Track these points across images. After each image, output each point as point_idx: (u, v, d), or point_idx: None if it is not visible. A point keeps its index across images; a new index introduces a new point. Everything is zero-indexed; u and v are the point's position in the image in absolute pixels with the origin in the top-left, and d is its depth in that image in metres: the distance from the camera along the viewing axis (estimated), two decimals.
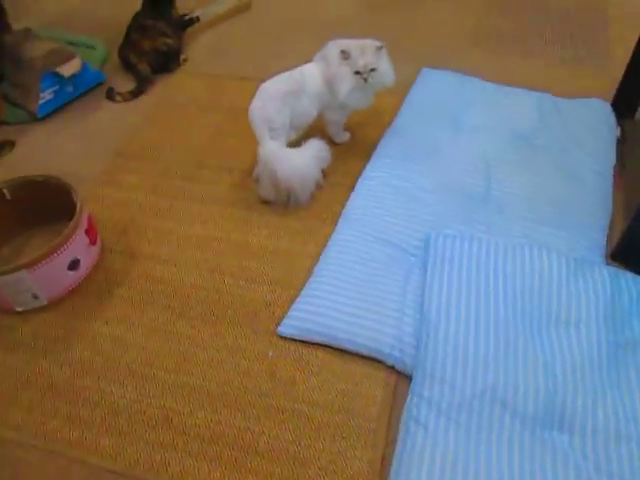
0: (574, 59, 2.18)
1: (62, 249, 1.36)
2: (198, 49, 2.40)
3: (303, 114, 1.64)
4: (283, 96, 1.57)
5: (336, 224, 1.57)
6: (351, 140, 1.86)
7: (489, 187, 1.62)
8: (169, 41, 2.24)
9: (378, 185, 1.63)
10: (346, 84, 1.58)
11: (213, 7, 2.57)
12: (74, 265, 1.42)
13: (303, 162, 1.57)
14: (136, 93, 2.13)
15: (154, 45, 2.19)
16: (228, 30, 2.51)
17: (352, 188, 1.68)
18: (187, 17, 2.45)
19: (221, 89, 2.16)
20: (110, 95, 2.13)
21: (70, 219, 1.41)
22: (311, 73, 1.63)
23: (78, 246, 1.42)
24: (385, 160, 1.72)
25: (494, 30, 2.36)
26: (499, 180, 1.64)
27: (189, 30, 2.44)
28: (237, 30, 2.50)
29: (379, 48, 1.56)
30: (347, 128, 1.85)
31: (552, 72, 2.12)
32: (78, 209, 1.42)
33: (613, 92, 1.91)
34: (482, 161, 1.69)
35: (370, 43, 1.56)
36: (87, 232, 1.45)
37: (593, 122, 1.83)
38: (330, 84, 1.61)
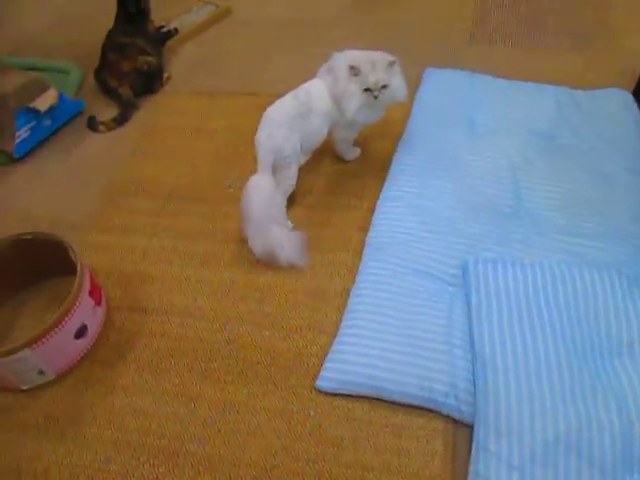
0: (581, 48, 2.07)
1: (67, 318, 1.22)
2: (181, 64, 2.23)
3: (314, 136, 1.51)
4: (291, 121, 1.43)
5: (360, 254, 1.45)
6: (362, 155, 1.73)
7: (519, 198, 1.51)
8: (150, 59, 2.07)
9: (400, 207, 1.51)
10: (355, 102, 1.44)
11: (191, 16, 2.40)
12: (81, 332, 1.28)
13: (269, 209, 1.42)
14: (120, 121, 1.97)
15: (134, 65, 2.02)
16: (210, 40, 2.34)
17: (371, 210, 1.56)
18: (165, 30, 2.28)
19: (212, 108, 2.00)
20: (92, 125, 1.96)
21: (64, 275, 1.27)
22: (318, 91, 1.49)
23: (83, 311, 1.27)
24: (403, 177, 1.59)
25: (493, 23, 2.23)
26: (528, 189, 1.53)
27: (168, 44, 2.27)
28: (220, 39, 2.33)
29: (391, 63, 1.42)
30: (356, 142, 1.71)
31: (560, 64, 2.00)
32: (79, 270, 1.27)
33: (627, 80, 1.81)
34: (507, 169, 1.58)
35: (381, 57, 1.43)
36: (91, 293, 1.31)
37: (616, 114, 1.72)
38: (338, 101, 1.47)
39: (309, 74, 1.55)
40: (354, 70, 1.42)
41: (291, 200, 1.57)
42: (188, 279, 1.48)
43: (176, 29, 2.30)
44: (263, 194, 1.41)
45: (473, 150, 1.64)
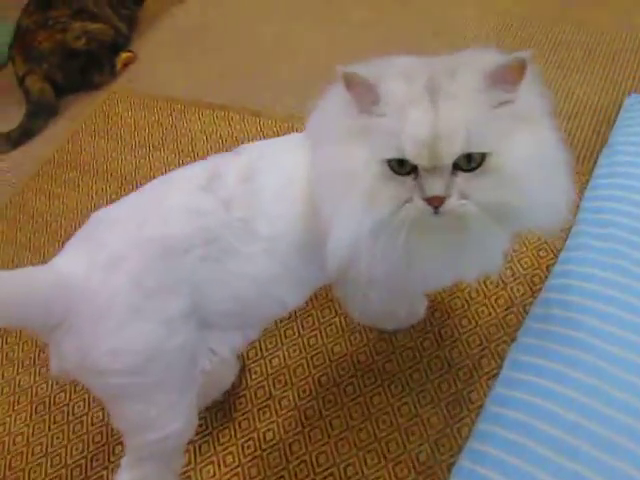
0: None
1: None
2: (164, 34, 1.29)
3: (250, 302, 0.50)
4: (157, 261, 0.45)
5: None
6: (430, 314, 0.69)
7: None
8: (94, 28, 1.16)
9: None
10: (350, 207, 0.41)
11: None
12: None
13: None
14: (16, 139, 1.10)
15: (61, 39, 1.13)
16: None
17: None
18: None
19: (195, 134, 1.05)
20: None
21: None
22: (281, 174, 0.48)
23: None
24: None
25: None
26: None
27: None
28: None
29: (518, 66, 0.38)
30: None
31: None
32: None
33: None
34: None
35: (474, 59, 0.40)
36: None
37: None
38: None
39: None
40: (361, 89, 0.40)
41: None
42: None
43: None
44: None
45: None
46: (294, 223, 0.47)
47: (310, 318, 0.72)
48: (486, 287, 0.70)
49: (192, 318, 0.47)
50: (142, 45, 1.26)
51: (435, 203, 0.38)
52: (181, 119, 1.06)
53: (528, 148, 0.39)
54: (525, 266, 0.71)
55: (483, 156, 0.38)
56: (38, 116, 1.12)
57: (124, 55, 1.20)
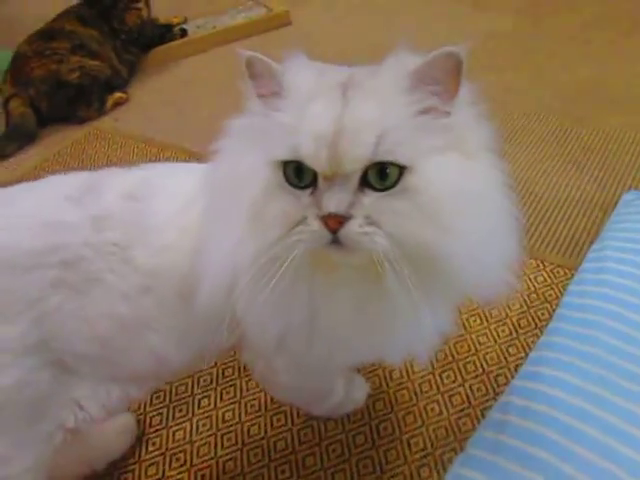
0: None
1: None
2: (166, 85, 1.28)
3: (112, 356, 0.41)
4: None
5: None
6: (375, 399, 0.58)
7: None
8: (91, 65, 1.15)
9: None
10: (229, 229, 0.33)
11: (226, 18, 1.46)
12: None
13: None
14: None
15: (56, 69, 1.12)
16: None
17: None
18: (162, 28, 1.36)
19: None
20: None
21: None
22: (180, 197, 0.41)
23: None
24: None
25: None
26: None
27: (159, 50, 1.34)
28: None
29: (447, 61, 0.30)
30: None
31: None
32: None
33: None
34: None
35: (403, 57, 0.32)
36: None
37: None
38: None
39: None
40: (264, 78, 0.33)
41: None
42: None
43: (183, 30, 1.37)
44: None
45: None
46: (181, 259, 0.38)
47: (232, 388, 0.61)
48: (441, 381, 0.60)
49: (37, 355, 0.37)
50: (137, 89, 1.25)
51: (332, 225, 0.29)
52: (156, 162, 1.01)
53: (458, 175, 0.31)
54: (490, 362, 0.61)
55: (400, 173, 0.30)
56: (14, 140, 1.08)
57: (117, 95, 1.19)
